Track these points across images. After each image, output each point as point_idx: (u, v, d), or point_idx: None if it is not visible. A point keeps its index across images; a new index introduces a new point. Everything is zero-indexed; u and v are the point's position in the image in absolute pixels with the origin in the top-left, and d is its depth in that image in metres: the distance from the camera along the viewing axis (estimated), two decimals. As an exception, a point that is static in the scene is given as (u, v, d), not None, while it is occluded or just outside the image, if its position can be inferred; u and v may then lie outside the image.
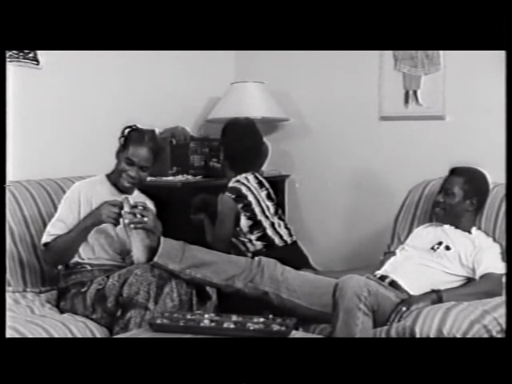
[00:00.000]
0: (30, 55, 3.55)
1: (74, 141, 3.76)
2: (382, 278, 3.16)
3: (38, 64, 3.58)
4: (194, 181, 4.01)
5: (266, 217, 3.58)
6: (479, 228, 3.32)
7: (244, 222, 3.53)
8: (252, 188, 3.57)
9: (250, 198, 3.54)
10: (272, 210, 3.63)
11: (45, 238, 3.06)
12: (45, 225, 3.28)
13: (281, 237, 3.59)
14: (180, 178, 4.01)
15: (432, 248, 3.24)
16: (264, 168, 4.25)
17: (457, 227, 3.28)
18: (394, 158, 4.13)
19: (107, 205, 2.93)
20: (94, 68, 3.86)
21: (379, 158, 4.12)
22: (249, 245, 3.55)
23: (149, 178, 3.62)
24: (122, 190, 3.17)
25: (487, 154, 3.55)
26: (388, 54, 4.16)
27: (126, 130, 3.17)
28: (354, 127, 4.28)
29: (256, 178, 3.65)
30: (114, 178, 3.20)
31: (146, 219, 2.93)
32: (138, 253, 2.96)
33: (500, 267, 3.06)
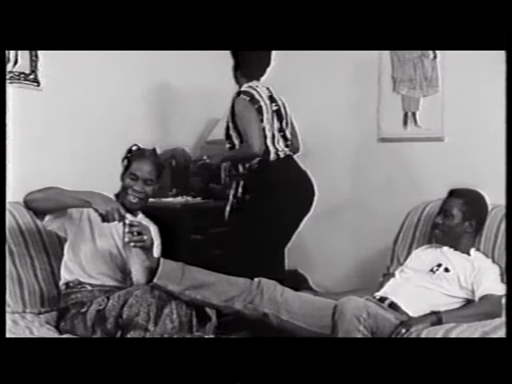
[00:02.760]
0: (31, 77, 3.57)
1: (74, 162, 3.76)
2: (382, 299, 3.16)
3: (38, 85, 3.60)
4: (193, 202, 4.01)
5: (271, 126, 3.65)
6: (478, 249, 3.33)
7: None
8: (263, 96, 3.65)
9: (262, 103, 3.63)
10: (277, 125, 3.69)
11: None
12: (45, 246, 3.30)
13: (276, 151, 3.65)
14: (180, 199, 4.02)
15: (431, 270, 3.24)
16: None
17: (456, 249, 3.28)
18: (393, 179, 4.14)
19: (115, 207, 2.90)
20: (95, 90, 3.88)
21: (378, 179, 4.14)
22: None
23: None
24: (129, 209, 3.20)
25: (486, 176, 3.57)
26: (387, 76, 4.18)
27: (129, 153, 3.27)
28: (353, 148, 4.30)
29: (268, 91, 3.73)
30: (121, 197, 3.23)
31: (145, 237, 2.93)
32: (137, 274, 2.96)
33: (499, 289, 3.06)
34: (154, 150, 3.31)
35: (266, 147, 3.61)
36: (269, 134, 3.63)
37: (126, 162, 3.25)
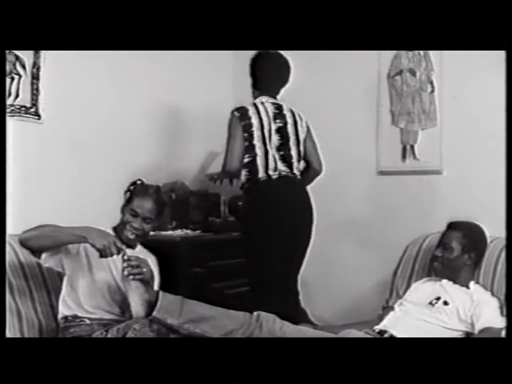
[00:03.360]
0: (32, 110, 3.59)
1: (74, 195, 3.78)
2: (381, 332, 3.14)
3: (39, 119, 3.62)
4: (193, 235, 4.02)
5: (264, 144, 3.57)
6: (477, 282, 3.32)
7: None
8: (262, 112, 3.59)
9: (254, 121, 3.56)
10: (276, 143, 3.60)
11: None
12: (44, 279, 3.29)
13: (266, 169, 3.57)
14: (179, 232, 4.02)
15: (430, 303, 3.23)
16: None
17: (455, 282, 3.28)
18: (392, 212, 4.14)
19: (112, 240, 2.90)
20: (95, 123, 3.91)
21: (377, 212, 4.14)
22: None
23: (148, 233, 3.65)
24: (126, 243, 3.19)
25: (484, 208, 3.58)
26: (385, 110, 4.21)
27: (132, 186, 3.25)
28: (352, 182, 4.31)
29: (277, 107, 3.66)
30: (119, 231, 3.22)
31: (144, 270, 2.93)
32: (136, 307, 2.95)
33: (499, 321, 3.05)
34: (157, 187, 3.28)
35: (255, 166, 3.57)
36: (259, 152, 3.56)
37: (128, 194, 3.23)
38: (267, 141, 3.58)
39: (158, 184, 3.31)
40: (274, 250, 3.56)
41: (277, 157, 3.60)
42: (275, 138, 3.61)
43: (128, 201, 3.22)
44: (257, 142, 3.56)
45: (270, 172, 3.58)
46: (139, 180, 3.26)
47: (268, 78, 3.70)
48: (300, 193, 3.71)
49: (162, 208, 3.29)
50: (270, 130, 3.59)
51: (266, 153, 3.58)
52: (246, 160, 3.56)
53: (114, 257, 2.92)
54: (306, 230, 3.73)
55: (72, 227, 2.99)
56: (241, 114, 3.56)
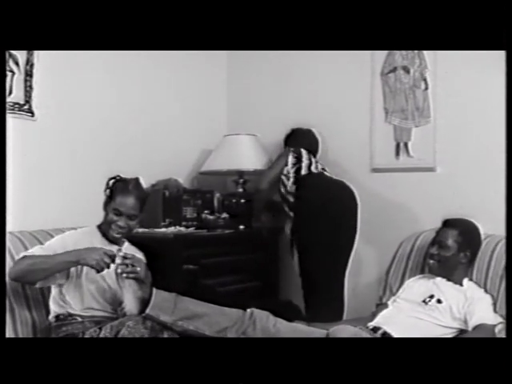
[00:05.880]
0: (25, 107, 3.58)
1: (67, 192, 3.77)
2: (375, 329, 3.14)
3: (32, 116, 3.61)
4: (186, 232, 4.01)
5: (308, 154, 4.08)
6: (471, 279, 3.33)
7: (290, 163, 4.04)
8: (312, 159, 4.08)
9: (304, 158, 4.04)
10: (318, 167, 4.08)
11: (23, 253, 3.06)
12: (37, 277, 3.29)
13: (309, 167, 4.02)
14: (172, 229, 4.01)
15: (423, 301, 3.23)
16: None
17: (449, 279, 3.28)
18: (386, 209, 4.14)
19: (102, 252, 2.90)
20: (88, 120, 3.90)
21: (370, 209, 4.14)
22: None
23: (141, 230, 3.64)
24: (112, 241, 3.19)
25: (478, 205, 3.58)
26: (379, 107, 4.21)
27: (111, 182, 3.21)
28: (346, 179, 4.29)
29: (316, 163, 4.11)
30: (104, 229, 3.21)
31: (138, 269, 2.93)
32: (130, 304, 2.96)
33: (492, 318, 3.06)
34: (136, 180, 3.23)
35: (300, 169, 4.00)
36: (304, 159, 4.03)
37: (108, 192, 3.19)
38: (312, 157, 4.08)
39: (136, 177, 3.25)
40: (323, 235, 3.84)
41: (318, 162, 4.09)
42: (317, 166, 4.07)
43: (109, 198, 3.19)
44: (304, 169, 4.01)
45: (312, 168, 4.01)
46: (118, 176, 3.22)
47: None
48: (340, 184, 4.01)
49: (145, 200, 3.25)
50: (313, 163, 4.05)
51: (310, 159, 4.05)
52: (293, 169, 4.02)
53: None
54: (350, 222, 3.97)
55: (60, 254, 2.99)
56: (297, 154, 4.06)
